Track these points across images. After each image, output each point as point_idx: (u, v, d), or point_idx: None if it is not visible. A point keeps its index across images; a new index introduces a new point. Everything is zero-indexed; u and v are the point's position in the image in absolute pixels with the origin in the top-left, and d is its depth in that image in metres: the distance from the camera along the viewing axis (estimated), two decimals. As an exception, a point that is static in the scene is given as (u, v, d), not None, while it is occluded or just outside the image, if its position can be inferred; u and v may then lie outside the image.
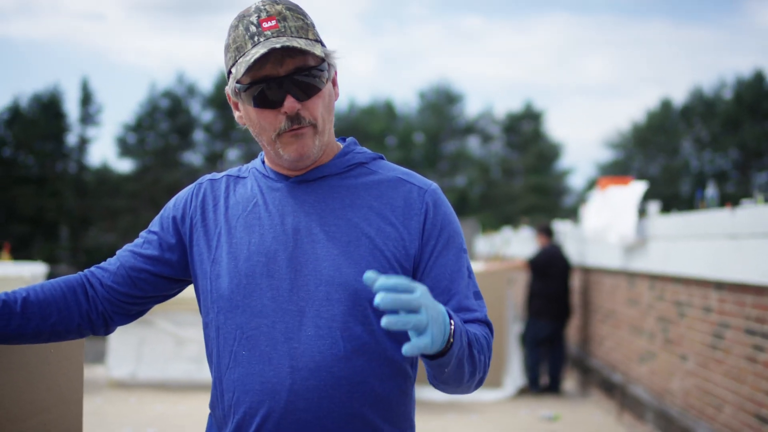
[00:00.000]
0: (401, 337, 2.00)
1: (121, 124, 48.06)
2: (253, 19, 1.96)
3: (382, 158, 2.17)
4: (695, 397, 6.85)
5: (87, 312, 2.13)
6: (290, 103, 1.94)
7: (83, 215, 44.27)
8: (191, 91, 48.86)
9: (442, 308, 1.74)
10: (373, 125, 51.03)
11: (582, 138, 78.93)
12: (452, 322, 1.78)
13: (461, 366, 1.85)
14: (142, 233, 2.21)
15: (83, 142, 46.36)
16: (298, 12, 2.00)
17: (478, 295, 2.06)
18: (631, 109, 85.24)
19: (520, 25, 78.40)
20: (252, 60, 1.91)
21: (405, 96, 70.50)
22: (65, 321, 2.09)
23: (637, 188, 8.42)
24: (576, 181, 65.80)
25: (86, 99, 45.90)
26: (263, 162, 2.14)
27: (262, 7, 1.97)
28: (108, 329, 2.20)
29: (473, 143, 55.33)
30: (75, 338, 2.16)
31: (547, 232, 10.88)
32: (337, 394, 1.95)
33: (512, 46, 78.00)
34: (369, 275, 1.60)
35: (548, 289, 10.41)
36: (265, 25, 1.94)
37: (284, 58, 1.93)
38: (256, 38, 1.94)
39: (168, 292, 2.22)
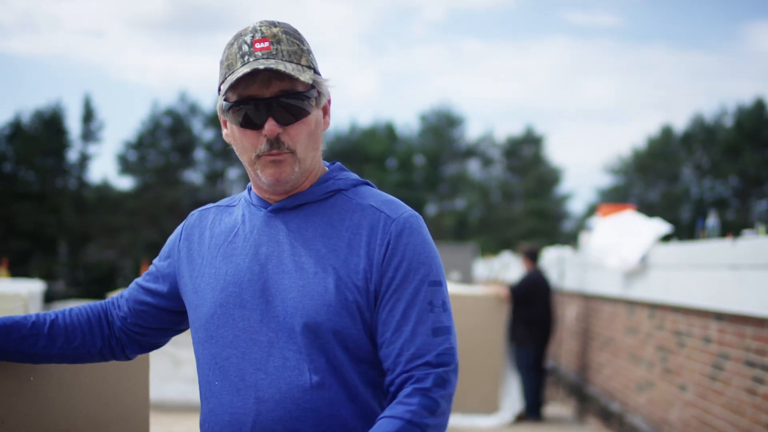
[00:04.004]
0: (367, 370, 1.99)
1: (122, 141, 48.14)
2: (248, 38, 1.97)
3: (366, 184, 2.14)
4: (694, 428, 6.80)
5: (108, 338, 2.21)
6: (271, 126, 1.94)
7: (83, 232, 44.27)
8: (193, 109, 49.03)
9: None
10: (374, 147, 51.09)
11: (582, 163, 79.12)
12: None
13: None
14: (151, 265, 2.27)
15: (84, 159, 46.45)
16: (294, 36, 2.00)
17: (438, 332, 1.96)
18: (631, 135, 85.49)
19: (521, 48, 78.72)
20: (235, 78, 1.92)
21: (406, 118, 70.89)
22: (88, 345, 2.18)
23: (660, 228, 8.33)
24: (576, 206, 65.86)
25: (88, 116, 46.01)
26: (249, 190, 2.15)
27: (258, 28, 1.98)
28: (127, 356, 2.27)
29: (473, 166, 55.43)
30: (99, 361, 2.25)
31: (532, 256, 10.85)
32: (303, 427, 1.94)
33: (513, 69, 78.28)
34: None
35: (531, 314, 10.34)
36: (258, 45, 1.95)
37: (272, 80, 1.93)
38: (246, 57, 1.94)
39: (174, 325, 2.25)
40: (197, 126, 49.28)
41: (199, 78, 70.05)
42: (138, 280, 2.25)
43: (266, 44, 1.95)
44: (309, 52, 2.02)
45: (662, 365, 7.70)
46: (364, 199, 2.08)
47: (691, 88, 75.06)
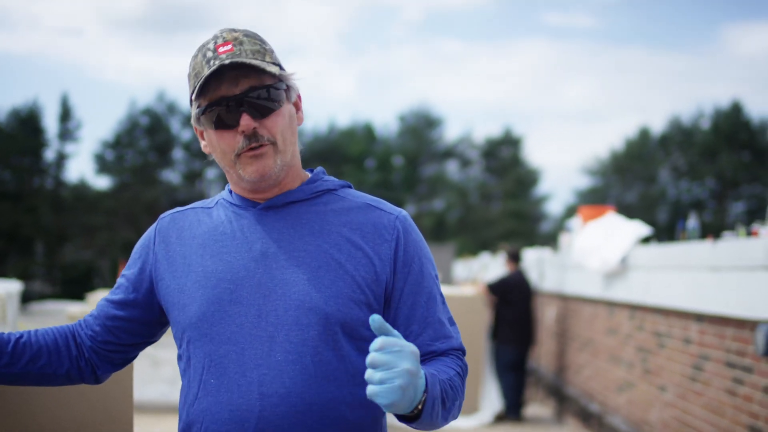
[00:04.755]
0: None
1: (99, 140, 47.82)
2: (210, 45, 2.01)
3: (350, 186, 2.18)
4: (674, 428, 6.83)
5: (76, 358, 2.16)
6: (246, 121, 1.96)
7: (59, 231, 43.96)
8: (171, 109, 48.78)
9: (420, 379, 1.76)
10: (352, 147, 51.02)
11: (560, 164, 79.34)
12: (425, 394, 1.79)
13: (432, 423, 1.86)
14: (118, 279, 2.24)
15: (61, 158, 46.11)
16: (255, 38, 2.04)
17: (452, 321, 2.08)
18: (609, 136, 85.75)
19: (499, 49, 78.84)
20: (204, 78, 1.95)
21: (385, 118, 70.45)
22: (54, 364, 2.13)
23: (641, 230, 8.38)
24: (553, 208, 66.07)
25: (65, 114, 45.68)
26: (230, 191, 2.15)
27: (219, 35, 2.02)
28: (98, 378, 2.22)
29: (452, 167, 55.45)
30: (63, 384, 2.19)
31: (514, 258, 10.92)
32: (309, 421, 1.93)
33: (492, 70, 78.39)
34: (375, 318, 1.69)
35: (511, 314, 10.39)
36: (221, 49, 1.98)
37: (239, 78, 1.97)
38: (211, 62, 1.97)
39: (147, 338, 2.23)
40: (175, 126, 49.03)
41: (177, 77, 69.77)
42: (105, 297, 2.22)
43: (229, 47, 1.99)
44: (272, 51, 2.06)
45: (642, 366, 7.73)
46: (357, 198, 2.13)
47: (669, 90, 75.42)
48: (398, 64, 77.35)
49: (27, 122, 44.87)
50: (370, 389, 1.67)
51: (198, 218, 2.15)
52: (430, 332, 2.02)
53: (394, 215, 2.08)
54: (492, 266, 17.59)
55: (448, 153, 54.95)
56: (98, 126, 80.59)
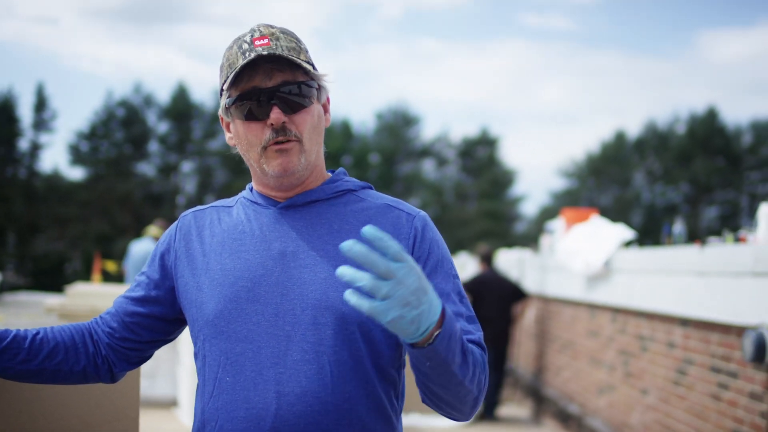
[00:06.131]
0: (385, 366, 1.99)
1: (74, 131, 47.46)
2: (247, 38, 2.01)
3: (371, 188, 2.18)
4: None
5: (93, 355, 2.15)
6: (276, 115, 1.96)
7: (32, 222, 43.62)
8: (147, 101, 48.52)
9: (435, 301, 1.67)
10: (329, 144, 50.25)
11: (536, 165, 79.61)
12: (444, 318, 1.71)
13: (448, 368, 1.77)
14: (136, 277, 2.23)
15: (35, 148, 45.77)
16: (292, 36, 2.05)
17: (471, 320, 2.02)
18: (585, 139, 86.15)
19: (477, 49, 78.95)
20: (239, 67, 1.95)
21: (362, 115, 70.63)
22: (70, 362, 2.11)
23: (625, 233, 8.42)
24: (528, 209, 66.31)
25: (40, 104, 45.34)
26: (251, 189, 2.15)
27: (257, 29, 2.03)
28: (113, 376, 2.21)
29: (428, 166, 55.51)
30: (79, 382, 2.17)
31: (486, 259, 11.01)
32: (325, 421, 1.91)
33: (469, 70, 78.52)
34: (368, 229, 1.58)
35: (482, 314, 10.42)
36: (258, 42, 1.98)
37: (273, 72, 1.97)
38: (247, 53, 1.97)
39: (165, 336, 2.22)
40: (151, 118, 48.78)
41: (151, 70, 69.37)
42: (124, 293, 2.21)
43: (266, 41, 1.99)
44: (306, 50, 2.07)
45: (624, 369, 7.76)
46: (377, 199, 2.13)
47: (645, 94, 75.86)
48: (376, 62, 77.36)
49: (1, 111, 44.47)
50: (368, 303, 1.58)
51: (218, 216, 2.15)
52: None
53: (413, 215, 2.08)
54: (469, 265, 17.64)
55: (425, 152, 55.00)
56: (73, 117, 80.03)
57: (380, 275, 1.59)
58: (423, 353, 1.73)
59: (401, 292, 1.60)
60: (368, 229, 1.58)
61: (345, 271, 1.59)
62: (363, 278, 1.58)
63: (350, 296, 1.59)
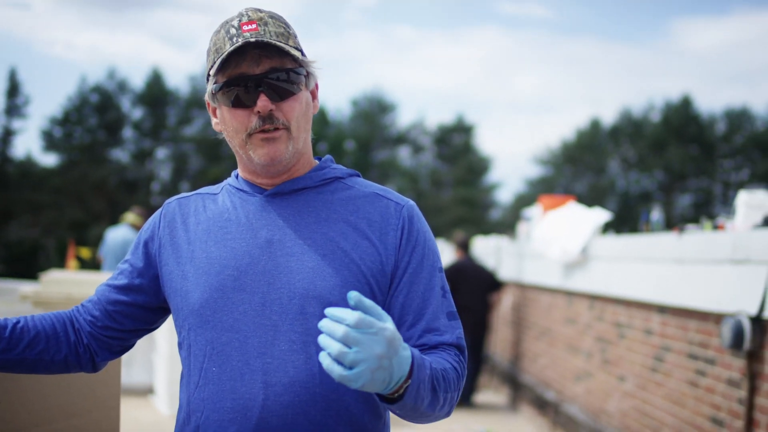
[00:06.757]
0: None
1: (47, 117, 47.12)
2: (235, 23, 1.97)
3: (358, 175, 2.15)
4: (633, 418, 6.89)
5: (75, 344, 2.12)
6: (263, 102, 1.93)
7: (4, 208, 43.26)
8: (122, 87, 48.21)
9: (404, 354, 1.69)
10: (304, 131, 50.78)
11: (511, 152, 79.77)
12: (413, 368, 1.72)
13: (417, 410, 1.80)
14: (119, 265, 2.19)
15: (8, 134, 45.41)
16: (280, 21, 2.01)
17: (452, 316, 2.02)
18: (560, 126, 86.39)
19: (453, 37, 79.00)
20: (226, 53, 1.91)
21: (337, 102, 70.43)
22: (52, 351, 2.08)
23: (601, 216, 8.43)
24: (503, 196, 66.44)
25: (13, 90, 44.98)
26: (237, 176, 2.12)
27: (245, 13, 1.99)
28: (95, 366, 2.18)
29: (404, 153, 55.57)
30: (60, 371, 2.14)
31: (463, 246, 11.06)
32: (312, 411, 1.89)
33: (445, 57, 78.53)
34: (353, 294, 1.61)
35: (460, 301, 10.44)
36: (245, 27, 1.95)
37: (261, 58, 1.94)
38: (234, 39, 1.93)
39: (148, 325, 2.19)
40: (126, 104, 48.51)
41: (125, 55, 68.85)
42: (106, 281, 2.17)
43: (254, 26, 1.95)
44: (295, 36, 2.04)
45: (601, 356, 7.78)
46: (365, 187, 2.10)
47: (620, 82, 76.22)
48: (351, 49, 77.24)
49: (-27, 97, 44.06)
50: (338, 370, 1.59)
51: (204, 204, 2.11)
52: (422, 324, 1.97)
53: (401, 205, 2.05)
54: (446, 252, 17.66)
55: (401, 139, 55.04)
56: (46, 102, 79.21)
57: (345, 342, 1.59)
58: (392, 405, 1.76)
59: (368, 361, 1.61)
60: (353, 294, 1.61)
61: (321, 337, 1.62)
62: (331, 346, 1.59)
63: (323, 359, 1.60)
